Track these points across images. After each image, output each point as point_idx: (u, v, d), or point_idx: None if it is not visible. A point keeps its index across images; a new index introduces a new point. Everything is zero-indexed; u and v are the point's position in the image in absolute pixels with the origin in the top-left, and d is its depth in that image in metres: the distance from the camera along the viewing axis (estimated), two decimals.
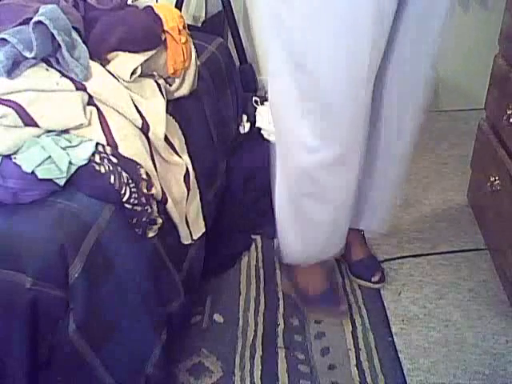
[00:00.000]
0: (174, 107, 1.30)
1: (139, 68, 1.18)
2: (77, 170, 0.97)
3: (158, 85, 1.23)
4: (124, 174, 1.01)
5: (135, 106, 1.11)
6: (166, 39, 1.28)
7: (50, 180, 0.95)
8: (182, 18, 1.32)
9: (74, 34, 1.09)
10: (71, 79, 1.05)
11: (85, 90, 1.07)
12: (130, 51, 1.18)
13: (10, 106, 0.98)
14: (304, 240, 1.39)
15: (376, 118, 1.29)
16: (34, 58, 1.02)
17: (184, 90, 1.37)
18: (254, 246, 1.72)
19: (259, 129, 1.91)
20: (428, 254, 1.67)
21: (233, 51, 1.96)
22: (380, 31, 1.07)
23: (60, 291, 0.89)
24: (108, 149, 1.03)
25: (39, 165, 0.95)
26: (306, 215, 1.32)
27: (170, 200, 1.15)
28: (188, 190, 1.25)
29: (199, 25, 2.32)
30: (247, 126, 1.92)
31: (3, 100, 0.99)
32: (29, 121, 0.99)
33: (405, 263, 1.64)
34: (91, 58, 1.11)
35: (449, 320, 1.44)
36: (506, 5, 1.58)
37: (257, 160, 1.80)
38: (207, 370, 1.32)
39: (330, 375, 1.30)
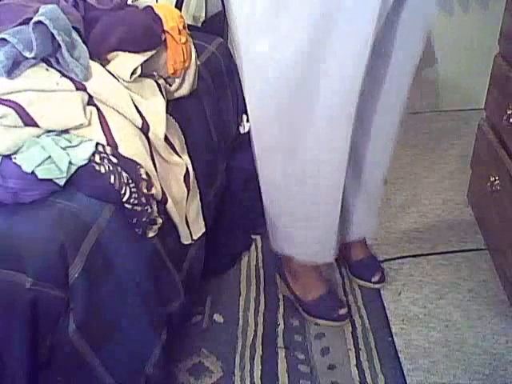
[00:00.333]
0: (174, 107, 1.29)
1: (139, 68, 1.18)
2: (77, 170, 0.97)
3: (158, 85, 1.23)
4: (124, 174, 1.01)
5: (135, 105, 1.11)
6: (165, 39, 1.28)
7: (50, 180, 0.95)
8: (182, 17, 1.31)
9: (74, 34, 1.08)
10: (71, 79, 1.05)
11: (85, 90, 1.07)
12: (130, 51, 1.18)
13: (9, 106, 0.98)
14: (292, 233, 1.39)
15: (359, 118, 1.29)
16: (34, 58, 1.02)
17: (184, 90, 1.36)
18: (253, 245, 1.72)
19: None
20: (428, 254, 1.67)
21: (233, 51, 1.96)
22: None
23: (60, 291, 0.88)
24: (108, 149, 1.03)
25: (39, 165, 0.94)
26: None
27: (170, 200, 1.15)
28: (188, 189, 1.25)
29: (199, 25, 2.32)
30: (247, 126, 1.92)
31: (3, 100, 0.99)
32: (29, 121, 0.99)
33: (405, 263, 1.64)
34: (91, 58, 1.11)
35: (449, 320, 1.44)
36: (506, 5, 1.58)
37: None
38: (207, 370, 1.32)
39: (330, 375, 1.30)
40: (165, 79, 1.30)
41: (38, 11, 1.03)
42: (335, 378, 1.30)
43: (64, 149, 0.97)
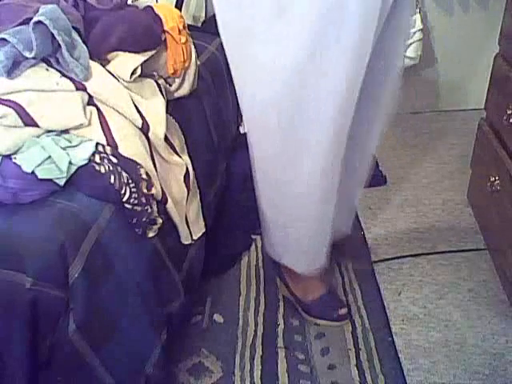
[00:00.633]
0: (174, 107, 1.29)
1: (139, 68, 1.18)
2: (77, 170, 0.97)
3: (158, 85, 1.23)
4: (124, 174, 1.01)
5: (135, 105, 1.11)
6: (165, 39, 1.28)
7: (50, 180, 0.95)
8: (182, 18, 1.31)
9: (74, 34, 1.09)
10: (71, 79, 1.05)
11: (85, 89, 1.07)
12: (130, 51, 1.18)
13: (10, 106, 0.98)
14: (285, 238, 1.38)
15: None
16: (34, 58, 1.02)
17: (184, 90, 1.37)
18: (253, 245, 1.72)
19: None
20: (428, 254, 1.67)
21: None
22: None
23: (60, 291, 0.88)
24: (108, 149, 1.03)
25: (39, 165, 0.95)
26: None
27: (170, 200, 1.15)
28: (188, 190, 1.25)
29: (199, 25, 2.32)
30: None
31: (3, 100, 0.99)
32: (29, 121, 0.99)
33: (405, 263, 1.64)
34: (91, 58, 1.11)
35: (449, 320, 1.44)
36: (506, 5, 1.58)
37: None
38: (207, 370, 1.32)
39: (330, 375, 1.30)
40: (165, 79, 1.30)
41: (38, 11, 1.03)
42: (335, 378, 1.30)
43: (64, 149, 0.98)
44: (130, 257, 1.03)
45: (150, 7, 1.29)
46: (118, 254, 1.00)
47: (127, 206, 1.01)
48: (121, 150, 1.05)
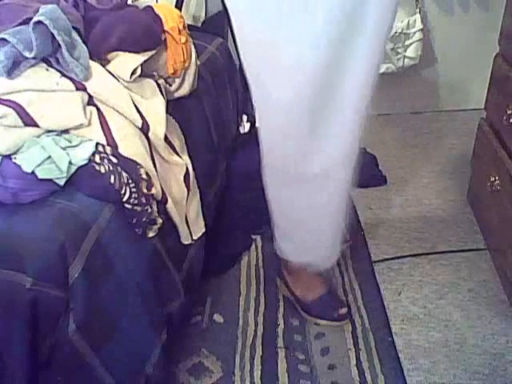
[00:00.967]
0: (174, 107, 1.29)
1: (139, 68, 1.18)
2: (77, 170, 0.97)
3: (158, 85, 1.23)
4: (124, 174, 1.01)
5: (135, 106, 1.11)
6: (165, 39, 1.28)
7: (50, 180, 0.95)
8: (182, 18, 1.31)
9: (74, 34, 1.09)
10: (71, 79, 1.05)
11: (85, 89, 1.07)
12: (130, 51, 1.18)
13: (10, 106, 0.98)
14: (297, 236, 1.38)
15: None
16: (33, 58, 1.02)
17: (184, 90, 1.37)
18: (253, 246, 1.72)
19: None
20: (428, 254, 1.67)
21: (233, 51, 1.96)
22: None
23: (60, 291, 0.88)
24: (108, 149, 1.03)
25: (39, 165, 0.95)
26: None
27: (170, 200, 1.15)
28: (188, 190, 1.25)
29: (199, 25, 2.32)
30: (247, 126, 1.92)
31: (3, 100, 0.99)
32: (29, 121, 0.99)
33: (405, 263, 1.64)
34: (91, 58, 1.11)
35: (449, 320, 1.44)
36: (505, 5, 1.58)
37: (257, 160, 1.80)
38: (207, 370, 1.32)
39: (330, 375, 1.30)
40: (165, 79, 1.30)
41: (38, 11, 1.03)
42: (335, 378, 1.30)
43: (64, 149, 0.98)
44: (129, 257, 1.03)
45: (150, 7, 1.29)
46: (118, 254, 1.00)
47: (127, 205, 1.01)
48: (121, 150, 1.05)
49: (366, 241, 1.73)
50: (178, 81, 1.34)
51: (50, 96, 1.03)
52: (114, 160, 1.01)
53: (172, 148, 1.23)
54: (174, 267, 1.20)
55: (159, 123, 1.16)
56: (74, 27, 1.09)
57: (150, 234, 1.09)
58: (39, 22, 1.00)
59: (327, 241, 1.36)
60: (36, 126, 1.00)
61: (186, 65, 1.34)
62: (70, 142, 1.00)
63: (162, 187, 1.13)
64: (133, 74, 1.16)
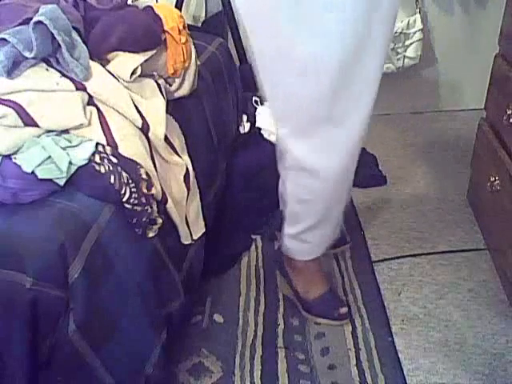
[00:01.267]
0: (174, 107, 1.29)
1: (139, 68, 1.18)
2: (77, 170, 0.97)
3: (158, 85, 1.23)
4: (124, 174, 1.01)
5: (135, 106, 1.11)
6: (165, 39, 1.28)
7: (50, 180, 0.95)
8: (182, 17, 1.32)
9: (74, 34, 1.09)
10: (71, 79, 1.05)
11: (85, 89, 1.07)
12: (130, 51, 1.18)
13: (9, 106, 0.98)
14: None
15: None
16: (33, 58, 1.02)
17: (184, 90, 1.37)
18: (253, 246, 1.72)
19: (259, 129, 1.91)
20: (428, 254, 1.67)
21: (233, 51, 1.96)
22: None
23: (60, 291, 0.88)
24: (108, 149, 1.03)
25: (39, 165, 0.95)
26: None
27: (170, 200, 1.15)
28: (188, 189, 1.25)
29: (199, 25, 2.32)
30: (247, 126, 1.92)
31: (3, 100, 0.99)
32: (29, 121, 0.99)
33: (405, 263, 1.64)
34: (91, 58, 1.11)
35: (449, 320, 1.44)
36: (505, 5, 1.58)
37: (257, 160, 1.80)
38: (207, 370, 1.32)
39: (330, 375, 1.30)
40: (165, 79, 1.30)
41: (38, 11, 1.03)
42: (335, 378, 1.30)
43: (64, 149, 0.98)
44: (129, 257, 1.03)
45: (150, 7, 1.29)
46: (118, 254, 1.00)
47: (127, 205, 1.01)
48: (121, 150, 1.05)
49: (366, 241, 1.73)
50: (178, 81, 1.34)
51: (49, 96, 1.03)
52: (114, 160, 1.01)
53: (172, 148, 1.23)
54: (174, 267, 1.20)
55: (159, 123, 1.16)
56: (74, 27, 1.09)
57: (150, 234, 1.09)
58: (39, 22, 1.00)
59: (338, 225, 1.39)
60: (36, 126, 1.00)
61: (186, 65, 1.34)
62: (70, 142, 1.00)
63: (162, 187, 1.13)
64: (133, 73, 1.16)
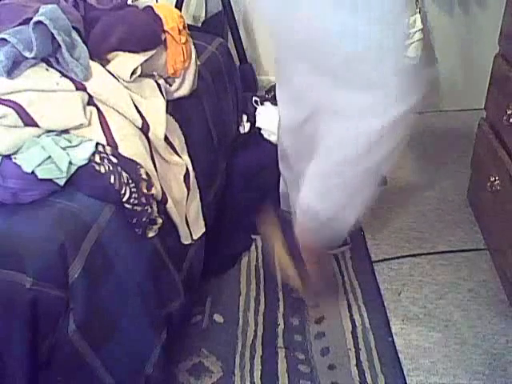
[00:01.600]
0: (174, 107, 1.29)
1: (139, 68, 1.18)
2: (77, 170, 0.97)
3: (158, 85, 1.23)
4: (124, 174, 1.01)
5: (135, 105, 1.12)
6: (166, 39, 1.28)
7: (50, 180, 0.95)
8: (182, 17, 1.32)
9: (74, 34, 1.09)
10: (71, 79, 1.05)
11: (85, 90, 1.07)
12: (130, 51, 1.18)
13: (9, 106, 0.98)
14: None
15: None
16: (33, 58, 1.02)
17: (184, 90, 1.37)
18: (254, 245, 1.72)
19: (259, 129, 1.91)
20: (428, 254, 1.67)
21: (233, 51, 1.96)
22: None
23: (60, 291, 0.89)
24: (108, 149, 1.03)
25: (39, 165, 0.95)
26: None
27: (170, 200, 1.15)
28: (188, 190, 1.25)
29: (199, 25, 2.32)
30: (247, 126, 1.92)
31: (3, 100, 0.99)
32: (29, 121, 0.99)
33: (405, 263, 1.64)
34: (91, 58, 1.11)
35: (449, 320, 1.44)
36: (506, 5, 1.58)
37: (257, 160, 1.80)
38: (207, 370, 1.32)
39: (330, 375, 1.30)
40: (165, 79, 1.30)
41: (38, 11, 1.03)
42: (335, 378, 1.30)
43: (64, 149, 0.98)
44: (129, 257, 1.03)
45: (150, 7, 1.29)
46: (118, 254, 1.00)
47: (127, 205, 1.01)
48: (121, 150, 1.05)
49: (366, 241, 1.73)
50: (178, 81, 1.34)
51: (50, 96, 1.03)
52: (114, 160, 1.01)
53: (172, 148, 1.23)
54: (173, 267, 1.20)
55: (159, 123, 1.16)
56: (74, 27, 1.09)
57: (150, 234, 1.09)
58: (39, 22, 1.00)
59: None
60: (36, 126, 1.00)
61: (186, 65, 1.34)
62: (70, 142, 1.00)
63: (162, 187, 1.13)
64: (133, 73, 1.16)
